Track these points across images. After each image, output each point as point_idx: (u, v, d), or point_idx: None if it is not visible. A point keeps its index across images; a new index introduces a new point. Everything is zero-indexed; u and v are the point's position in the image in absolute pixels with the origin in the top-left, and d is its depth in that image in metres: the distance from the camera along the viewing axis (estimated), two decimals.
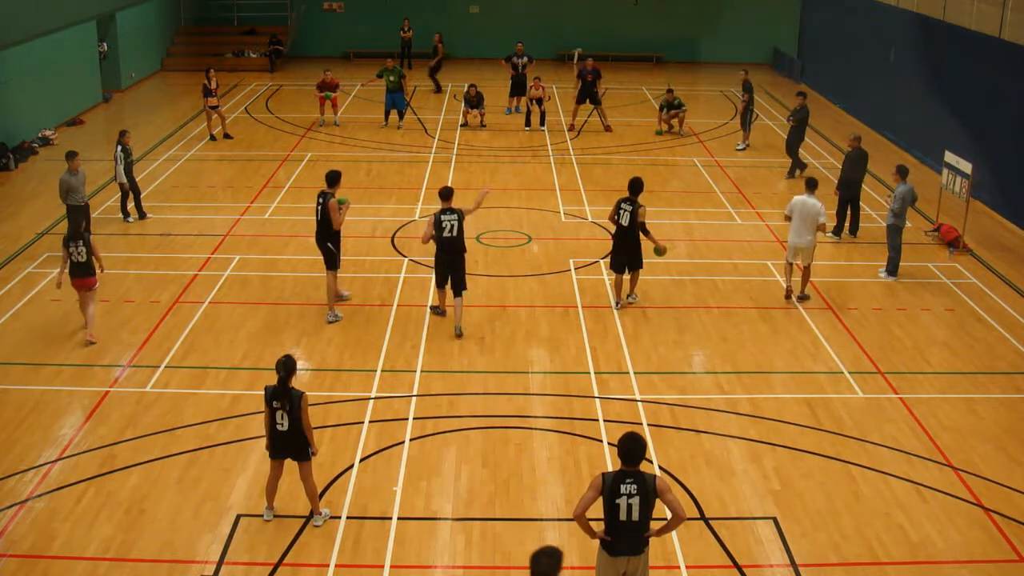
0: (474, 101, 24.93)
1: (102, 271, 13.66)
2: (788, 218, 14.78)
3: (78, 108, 25.97)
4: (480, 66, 32.43)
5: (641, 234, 14.26)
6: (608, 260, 15.50)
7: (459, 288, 13.64)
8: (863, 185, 18.18)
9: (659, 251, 14.54)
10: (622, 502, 7.59)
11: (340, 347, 13.37)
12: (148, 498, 10.11)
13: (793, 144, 21.29)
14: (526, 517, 9.93)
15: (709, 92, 30.22)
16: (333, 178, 13.98)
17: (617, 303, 14.60)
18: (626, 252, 14.37)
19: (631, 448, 7.65)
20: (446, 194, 13.58)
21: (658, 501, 7.73)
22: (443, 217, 13.39)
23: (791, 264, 14.89)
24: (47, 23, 23.41)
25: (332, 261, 13.99)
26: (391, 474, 10.57)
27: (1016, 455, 11.16)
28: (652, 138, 24.47)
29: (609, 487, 7.63)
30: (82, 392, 12.18)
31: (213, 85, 23.13)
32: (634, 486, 7.59)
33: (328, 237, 13.87)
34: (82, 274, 13.28)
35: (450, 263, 13.58)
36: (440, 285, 13.93)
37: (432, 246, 13.79)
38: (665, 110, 24.78)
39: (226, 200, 19.40)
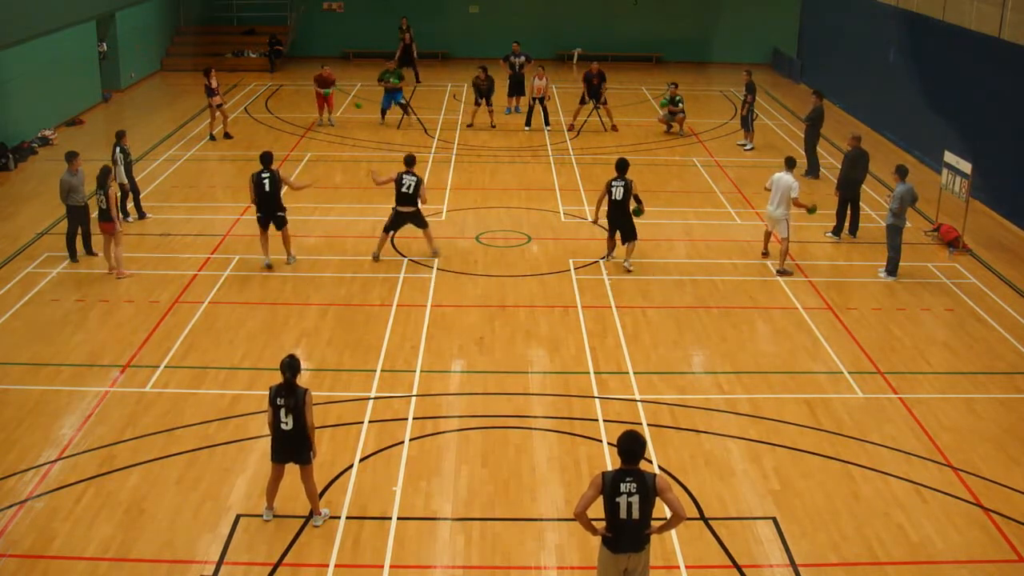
0: (484, 86, 24.73)
1: (118, 226, 15.50)
2: (768, 189, 16.35)
3: (78, 108, 25.97)
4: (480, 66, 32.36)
5: (634, 202, 15.81)
6: (606, 259, 16.36)
7: (424, 224, 16.37)
8: (863, 185, 18.18)
9: (639, 211, 15.94)
10: (622, 500, 7.63)
11: (340, 347, 13.38)
12: (148, 498, 10.11)
13: (810, 144, 21.30)
14: (526, 517, 9.93)
15: (709, 92, 30.22)
16: (271, 158, 15.86)
17: (607, 256, 16.30)
18: (620, 222, 15.86)
19: (631, 447, 7.68)
20: (410, 160, 16.22)
21: (660, 500, 7.74)
22: (405, 177, 15.92)
23: (769, 231, 16.59)
24: (47, 23, 23.37)
25: (283, 220, 15.95)
26: (391, 474, 10.57)
27: (1016, 455, 11.16)
28: (652, 138, 24.46)
29: (609, 486, 7.66)
30: (82, 392, 12.18)
31: (215, 84, 23.18)
32: (634, 485, 7.62)
33: (279, 207, 15.78)
34: (102, 219, 15.42)
35: (407, 213, 16.08)
36: (388, 230, 16.29)
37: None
38: (667, 106, 24.63)
39: (226, 200, 19.40)
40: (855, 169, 17.70)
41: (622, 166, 15.86)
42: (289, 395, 9.32)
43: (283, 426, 9.39)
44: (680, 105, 24.54)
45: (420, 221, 16.34)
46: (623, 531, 7.73)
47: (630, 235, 15.95)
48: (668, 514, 7.78)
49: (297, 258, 16.22)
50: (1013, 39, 19.00)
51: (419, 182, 15.96)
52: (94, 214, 16.76)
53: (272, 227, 15.86)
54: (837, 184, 18.08)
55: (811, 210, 15.99)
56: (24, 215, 18.47)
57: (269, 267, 15.89)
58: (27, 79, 23.18)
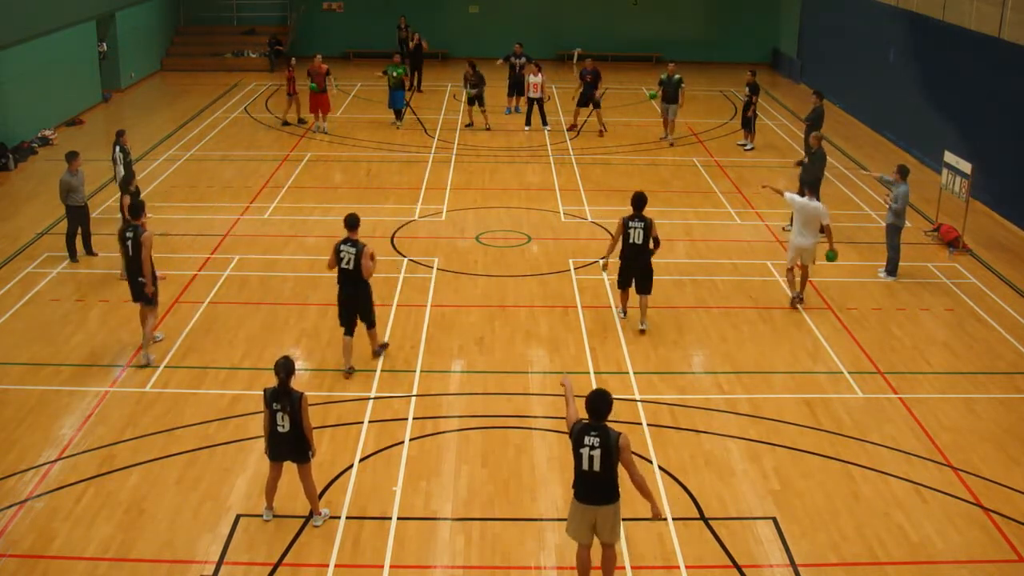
0: (474, 81, 24.66)
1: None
2: (786, 229, 14.53)
3: (78, 108, 25.97)
4: (480, 66, 32.33)
5: (652, 246, 13.57)
6: (622, 316, 14.26)
7: (368, 321, 12.67)
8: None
9: (650, 254, 13.60)
10: (584, 452, 8.25)
11: (340, 347, 13.35)
12: (148, 498, 10.11)
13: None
14: (526, 517, 9.93)
15: (709, 92, 30.23)
16: (138, 209, 12.96)
17: (623, 312, 14.16)
18: (637, 270, 13.66)
19: (596, 403, 8.32)
20: (351, 223, 12.34)
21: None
22: (342, 247, 12.26)
23: (792, 269, 14.70)
24: (47, 23, 23.41)
25: (153, 295, 12.85)
26: (391, 474, 10.57)
27: (1016, 455, 11.16)
28: (652, 138, 24.44)
29: (575, 436, 8.33)
30: (82, 392, 12.17)
31: (295, 75, 24.70)
32: (597, 439, 8.23)
33: (141, 271, 12.70)
34: None
35: (349, 297, 12.46)
36: (343, 324, 12.54)
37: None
38: (663, 88, 23.43)
39: (225, 200, 19.40)
40: (820, 168, 17.69)
41: (640, 202, 13.41)
42: (285, 399, 9.33)
43: (280, 428, 9.41)
44: (681, 87, 23.27)
45: (366, 311, 12.59)
46: (587, 481, 8.34)
47: (646, 287, 13.70)
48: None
49: (153, 357, 12.90)
50: (1013, 39, 19.00)
51: (360, 251, 12.18)
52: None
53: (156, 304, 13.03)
54: (800, 181, 17.99)
55: (830, 256, 14.46)
56: (24, 215, 18.47)
57: (147, 361, 12.84)
58: (27, 79, 23.19)
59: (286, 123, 25.00)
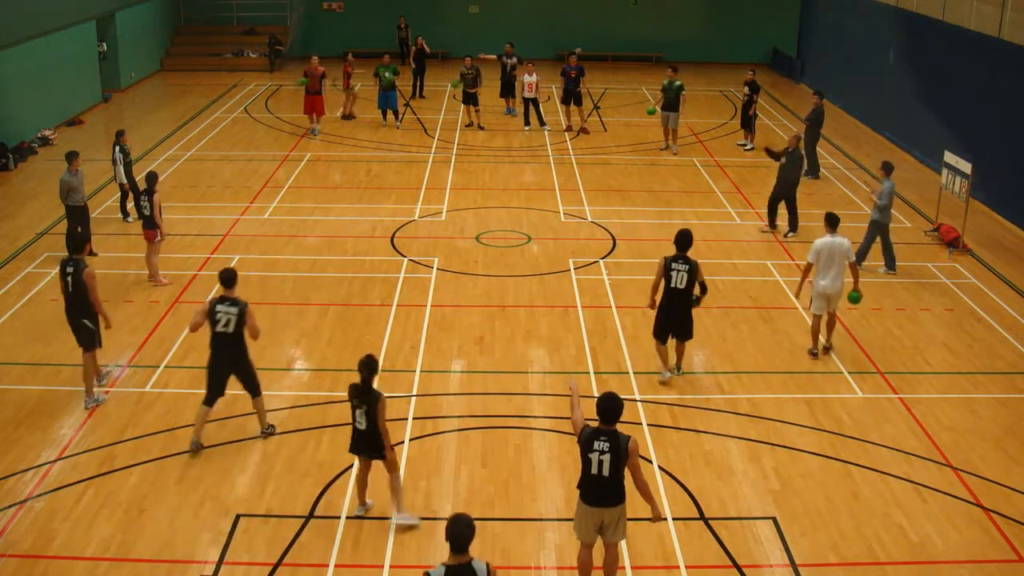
0: (469, 76, 24.54)
1: (161, 233, 15.07)
2: (811, 263, 13.01)
3: (78, 108, 25.97)
4: (479, 66, 32.38)
5: (697, 288, 12.19)
6: (663, 379, 12.63)
7: (253, 389, 11.05)
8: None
9: (697, 300, 12.33)
10: (594, 457, 8.21)
11: (340, 347, 13.37)
12: (148, 498, 10.11)
13: (810, 144, 21.23)
14: (526, 517, 9.93)
15: (709, 92, 30.23)
16: (81, 241, 11.84)
17: (667, 373, 12.55)
18: (678, 318, 12.31)
19: (608, 407, 8.20)
20: (227, 279, 10.72)
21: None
22: (219, 307, 10.60)
23: (819, 317, 13.15)
24: (47, 23, 23.42)
25: (91, 339, 11.68)
26: None
27: (1015, 455, 11.17)
28: (651, 138, 24.43)
29: (584, 440, 8.26)
30: (82, 392, 12.15)
31: (352, 70, 25.18)
32: (606, 444, 8.17)
33: (84, 312, 11.55)
34: (144, 227, 15.04)
35: (228, 363, 10.82)
36: (210, 392, 10.85)
37: None
38: (664, 94, 22.69)
39: (225, 200, 19.40)
40: (795, 170, 17.67)
41: (685, 241, 12.05)
42: (364, 397, 9.38)
43: (358, 425, 9.48)
44: (682, 93, 22.45)
45: (249, 377, 10.94)
46: (594, 485, 8.32)
47: (686, 334, 12.48)
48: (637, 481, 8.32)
49: (106, 396, 11.99)
50: (1013, 39, 19.00)
51: (243, 312, 10.55)
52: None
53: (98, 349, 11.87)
54: (776, 185, 17.97)
55: (854, 297, 13.15)
56: (24, 215, 18.47)
57: (98, 402, 11.88)
58: (27, 79, 23.18)
59: (346, 117, 25.50)
